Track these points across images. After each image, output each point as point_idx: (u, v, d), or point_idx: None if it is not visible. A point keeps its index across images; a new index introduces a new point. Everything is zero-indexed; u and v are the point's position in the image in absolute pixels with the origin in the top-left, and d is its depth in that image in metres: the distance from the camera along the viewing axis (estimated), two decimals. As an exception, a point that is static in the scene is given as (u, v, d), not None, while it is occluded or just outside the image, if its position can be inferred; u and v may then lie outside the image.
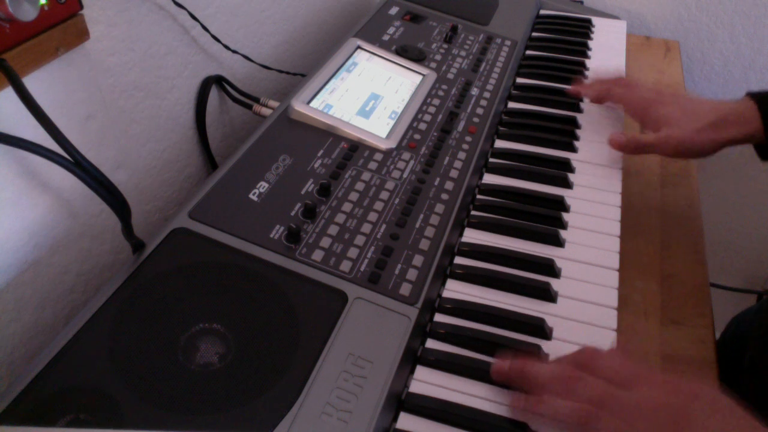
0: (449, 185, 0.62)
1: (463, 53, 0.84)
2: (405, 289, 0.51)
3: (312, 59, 1.01)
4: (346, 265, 0.52)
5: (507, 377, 0.46)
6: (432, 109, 0.72)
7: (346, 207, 0.57)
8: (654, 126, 0.67)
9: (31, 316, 0.55)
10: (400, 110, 0.71)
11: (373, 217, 0.57)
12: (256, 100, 0.78)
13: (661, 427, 0.39)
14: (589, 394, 0.42)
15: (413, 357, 0.49)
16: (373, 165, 0.62)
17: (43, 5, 0.45)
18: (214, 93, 0.76)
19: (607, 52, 0.94)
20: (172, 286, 0.48)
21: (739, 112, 0.63)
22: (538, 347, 0.50)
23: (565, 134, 0.75)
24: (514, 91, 0.83)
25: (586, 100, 0.81)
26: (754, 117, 0.62)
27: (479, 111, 0.74)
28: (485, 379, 0.48)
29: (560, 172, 0.68)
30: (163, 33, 0.65)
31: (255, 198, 0.56)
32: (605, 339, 0.52)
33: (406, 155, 0.65)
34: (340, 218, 0.56)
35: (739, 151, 0.66)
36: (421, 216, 0.58)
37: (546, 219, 0.62)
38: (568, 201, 0.65)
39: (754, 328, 0.70)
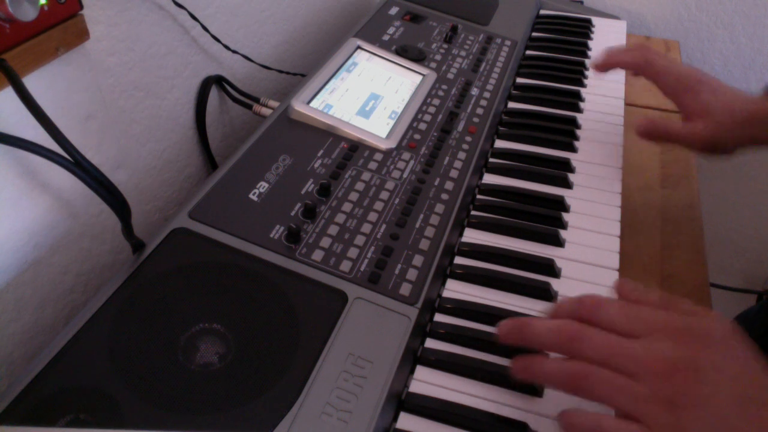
0: (449, 185, 0.62)
1: (463, 53, 0.84)
2: (405, 289, 0.51)
3: (312, 59, 1.01)
4: (346, 265, 0.52)
5: (507, 339, 0.44)
6: (432, 109, 0.72)
7: (346, 207, 0.57)
8: (690, 111, 0.63)
9: (31, 316, 0.55)
10: (400, 110, 0.71)
11: (373, 217, 0.57)
12: (256, 100, 0.78)
13: (670, 379, 0.36)
14: (589, 350, 0.39)
15: (413, 357, 0.49)
16: (373, 165, 0.62)
17: (43, 5, 0.45)
18: (214, 93, 0.76)
19: (607, 52, 0.94)
20: (172, 286, 0.49)
21: (765, 111, 0.60)
22: (538, 347, 0.50)
23: (565, 134, 0.75)
24: (514, 91, 0.84)
25: (586, 99, 0.81)
26: None
27: (479, 111, 0.74)
28: (485, 379, 0.48)
29: (560, 172, 0.69)
30: (163, 33, 0.65)
31: (255, 198, 0.56)
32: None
33: (406, 155, 0.65)
34: (340, 218, 0.56)
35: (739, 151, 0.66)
36: (421, 216, 0.58)
37: (546, 219, 0.62)
38: (568, 201, 0.65)
39: (755, 328, 0.70)
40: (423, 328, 0.51)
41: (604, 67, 0.70)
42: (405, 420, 0.45)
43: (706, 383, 0.36)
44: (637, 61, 0.68)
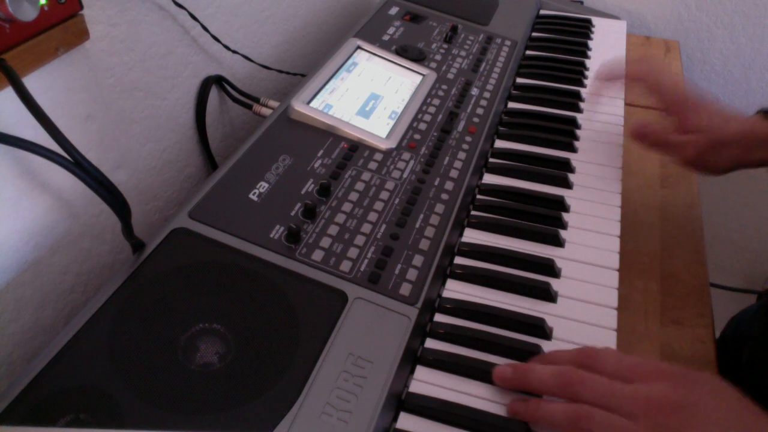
0: (449, 185, 0.62)
1: (463, 53, 0.84)
2: (405, 289, 0.51)
3: (312, 59, 1.01)
4: (346, 265, 0.52)
5: (509, 384, 0.47)
6: (432, 109, 0.72)
7: (346, 207, 0.57)
8: (686, 127, 0.65)
9: (31, 316, 0.55)
10: (400, 110, 0.71)
11: (373, 217, 0.57)
12: (256, 100, 0.78)
13: (665, 418, 0.39)
14: (589, 393, 0.42)
15: (413, 357, 0.49)
16: (373, 165, 0.62)
17: (43, 5, 0.45)
18: (214, 93, 0.76)
19: (607, 53, 0.94)
20: (172, 286, 0.48)
21: (759, 134, 0.61)
22: (538, 347, 0.50)
23: (565, 134, 0.75)
24: (514, 91, 0.84)
25: (586, 99, 0.81)
26: None
27: (479, 111, 0.74)
28: (485, 379, 0.48)
29: (560, 172, 0.69)
30: (163, 33, 0.65)
31: (255, 198, 0.56)
32: (605, 339, 0.52)
33: (406, 155, 0.65)
34: (340, 218, 0.56)
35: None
36: (421, 216, 0.58)
37: (546, 219, 0.62)
38: (568, 201, 0.65)
39: (754, 327, 0.70)
40: (423, 328, 0.51)
41: (609, 77, 0.72)
42: (405, 420, 0.45)
43: (698, 422, 0.39)
44: (646, 72, 0.68)
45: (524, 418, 0.45)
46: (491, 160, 0.71)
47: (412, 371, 0.48)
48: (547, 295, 0.55)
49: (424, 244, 0.55)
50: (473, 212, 0.64)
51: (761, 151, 0.61)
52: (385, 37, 0.83)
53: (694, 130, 0.64)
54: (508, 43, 0.90)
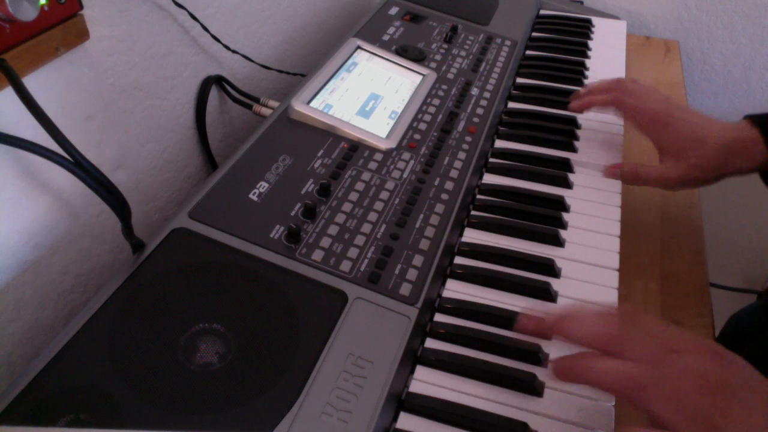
0: (449, 185, 0.62)
1: (463, 53, 0.84)
2: (405, 289, 0.51)
3: (312, 59, 1.01)
4: (346, 265, 0.52)
5: (539, 327, 0.42)
6: (432, 109, 0.72)
7: (346, 207, 0.57)
8: (662, 148, 0.65)
9: (31, 316, 0.55)
10: (400, 110, 0.71)
11: (373, 217, 0.57)
12: (256, 100, 0.78)
13: (707, 396, 0.36)
14: (639, 354, 0.38)
15: (413, 357, 0.49)
16: (373, 165, 0.62)
17: (43, 5, 0.45)
18: (214, 93, 0.76)
19: (607, 52, 0.94)
20: (172, 286, 0.48)
21: (744, 142, 0.60)
22: (539, 347, 0.50)
23: (565, 134, 0.75)
24: (514, 91, 0.84)
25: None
26: (759, 151, 0.59)
27: (479, 111, 0.74)
28: (485, 379, 0.48)
29: (560, 172, 0.69)
30: (163, 33, 0.65)
31: (255, 198, 0.56)
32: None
33: (406, 155, 0.65)
34: (340, 218, 0.56)
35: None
36: (421, 216, 0.58)
37: (546, 219, 0.62)
38: (568, 201, 0.65)
39: (753, 325, 0.70)
40: (423, 328, 0.51)
41: (580, 108, 0.72)
42: (405, 420, 0.45)
43: (740, 403, 0.36)
44: (609, 101, 0.69)
45: (569, 378, 0.41)
46: (491, 160, 0.71)
47: (412, 371, 0.48)
48: (547, 295, 0.55)
49: (424, 244, 0.55)
50: (473, 212, 0.64)
51: (748, 159, 0.60)
52: (385, 37, 0.83)
53: (669, 150, 0.63)
54: (508, 43, 0.90)
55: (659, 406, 0.37)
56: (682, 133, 0.63)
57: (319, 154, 0.62)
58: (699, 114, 0.65)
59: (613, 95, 0.69)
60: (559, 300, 0.55)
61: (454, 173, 0.64)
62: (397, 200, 0.59)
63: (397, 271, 0.52)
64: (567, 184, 0.68)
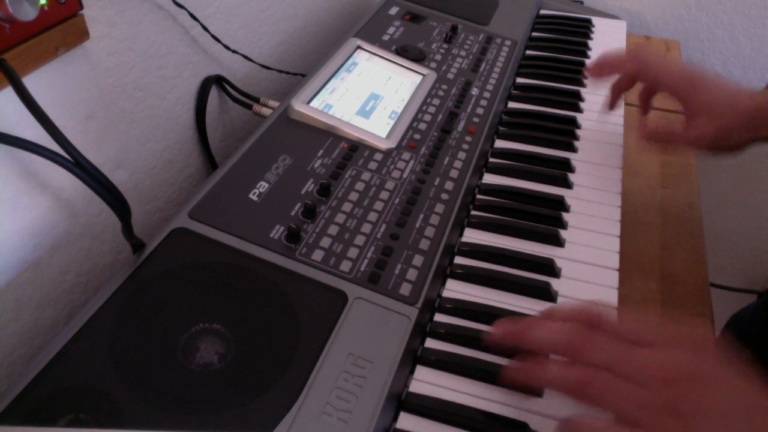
0: (449, 185, 0.62)
1: (463, 53, 0.84)
2: (405, 289, 0.51)
3: (312, 59, 1.01)
4: (346, 265, 0.52)
5: (507, 338, 0.42)
6: (432, 109, 0.72)
7: (346, 207, 0.57)
8: (693, 108, 0.62)
9: (31, 316, 0.55)
10: (400, 110, 0.71)
11: (373, 217, 0.57)
12: (256, 100, 0.78)
13: (677, 388, 0.36)
14: (598, 356, 0.38)
15: (413, 357, 0.49)
16: (373, 165, 0.62)
17: (43, 5, 0.45)
18: (214, 93, 0.76)
19: (607, 52, 0.94)
20: (172, 286, 0.49)
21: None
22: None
23: (565, 134, 0.75)
24: (514, 91, 0.84)
25: (586, 99, 0.81)
26: None
27: (479, 111, 0.74)
28: (485, 379, 0.48)
29: (560, 172, 0.68)
30: (163, 33, 0.65)
31: (255, 198, 0.56)
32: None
33: (406, 155, 0.65)
34: (340, 218, 0.56)
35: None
36: (421, 216, 0.58)
37: (546, 219, 0.62)
38: (568, 201, 0.65)
39: (753, 325, 0.70)
40: (423, 328, 0.51)
41: (600, 74, 0.69)
42: (405, 420, 0.45)
43: (711, 392, 0.36)
44: (634, 64, 0.66)
45: (523, 380, 0.42)
46: (491, 160, 0.71)
47: (412, 371, 0.48)
48: (547, 295, 0.55)
49: (424, 244, 0.55)
50: (473, 212, 0.64)
51: None
52: (385, 37, 0.83)
53: (700, 110, 0.62)
54: (508, 43, 0.90)
55: (614, 404, 0.37)
56: (715, 94, 0.61)
57: (319, 154, 0.62)
58: (727, 80, 0.64)
59: (639, 57, 0.66)
60: (559, 300, 0.55)
61: (454, 173, 0.64)
62: (397, 200, 0.59)
63: (397, 271, 0.52)
64: (567, 184, 0.68)
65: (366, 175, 0.61)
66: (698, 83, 0.63)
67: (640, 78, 0.68)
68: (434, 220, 0.58)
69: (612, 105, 0.72)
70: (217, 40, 0.73)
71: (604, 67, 0.69)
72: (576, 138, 0.75)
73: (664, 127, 0.64)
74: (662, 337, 0.39)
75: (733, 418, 0.35)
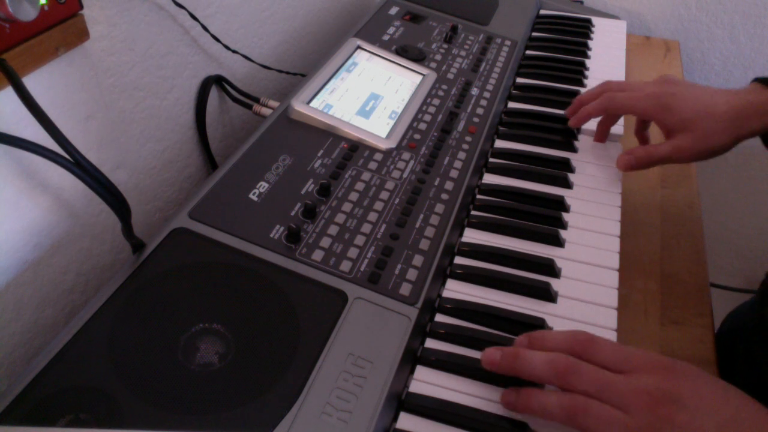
0: (449, 185, 0.62)
1: (463, 53, 0.84)
2: (405, 289, 0.51)
3: (312, 59, 1.01)
4: (346, 265, 0.52)
5: (499, 368, 0.45)
6: (432, 109, 0.72)
7: (346, 207, 0.57)
8: (670, 128, 0.63)
9: (31, 316, 0.55)
10: (400, 110, 0.71)
11: (373, 217, 0.57)
12: (256, 100, 0.78)
13: (658, 410, 0.39)
14: (584, 383, 0.42)
15: (413, 357, 0.49)
16: (373, 165, 0.62)
17: (43, 5, 0.45)
18: (214, 93, 0.76)
19: (607, 52, 0.94)
20: (172, 286, 0.49)
21: (756, 104, 0.60)
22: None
23: (565, 134, 0.75)
24: (514, 91, 0.84)
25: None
26: None
27: (479, 111, 0.74)
28: (485, 379, 0.48)
29: (560, 172, 0.68)
30: (163, 33, 0.65)
31: (255, 198, 0.56)
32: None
33: (406, 155, 0.65)
34: (340, 218, 0.56)
35: (739, 151, 0.66)
36: (421, 216, 0.58)
37: (546, 219, 0.62)
38: (568, 201, 0.65)
39: (749, 319, 0.70)
40: (423, 328, 0.51)
41: (578, 123, 0.72)
42: (405, 420, 0.45)
43: (687, 411, 0.39)
44: (602, 105, 0.68)
45: (516, 409, 0.45)
46: (491, 160, 0.71)
47: (412, 371, 0.48)
48: (547, 295, 0.55)
49: (424, 244, 0.55)
50: (473, 212, 0.64)
51: (763, 121, 0.60)
52: (385, 37, 0.83)
53: (677, 128, 0.63)
54: (508, 43, 0.90)
55: (603, 428, 0.40)
56: (687, 108, 0.62)
57: (319, 154, 0.62)
58: (697, 86, 0.64)
59: (603, 97, 0.68)
60: (559, 300, 0.55)
61: (454, 173, 0.64)
62: (397, 200, 0.59)
63: (397, 271, 0.52)
64: (567, 184, 0.68)
65: (366, 175, 0.61)
66: (669, 104, 0.63)
67: (613, 113, 0.70)
68: (434, 220, 0.58)
69: (601, 140, 0.74)
70: (217, 40, 0.73)
71: (580, 114, 0.71)
72: (576, 138, 0.75)
73: (644, 155, 0.65)
74: (641, 364, 0.42)
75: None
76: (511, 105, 0.81)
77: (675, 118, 0.63)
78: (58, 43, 0.49)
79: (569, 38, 0.96)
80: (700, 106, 0.62)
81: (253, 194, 0.56)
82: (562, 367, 0.43)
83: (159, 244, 0.51)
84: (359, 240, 0.54)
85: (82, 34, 0.51)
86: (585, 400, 0.41)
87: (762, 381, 0.62)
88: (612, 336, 0.52)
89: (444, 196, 0.61)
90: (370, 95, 0.72)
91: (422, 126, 0.69)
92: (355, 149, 0.64)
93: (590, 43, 0.96)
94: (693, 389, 0.40)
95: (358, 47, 0.79)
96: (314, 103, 0.68)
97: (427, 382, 0.48)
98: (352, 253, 0.53)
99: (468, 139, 0.69)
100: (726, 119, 0.60)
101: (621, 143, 0.74)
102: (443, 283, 0.56)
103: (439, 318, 0.53)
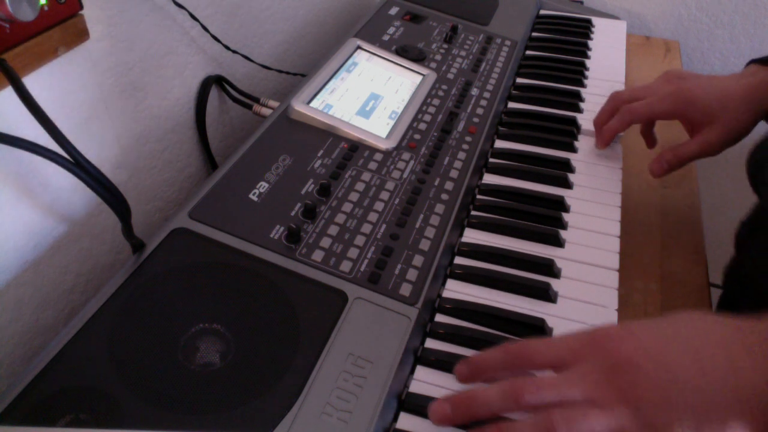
0: (449, 185, 0.62)
1: (463, 53, 0.84)
2: (405, 289, 0.51)
3: (312, 59, 1.01)
4: (346, 265, 0.52)
5: (452, 421, 0.42)
6: (432, 109, 0.72)
7: (346, 207, 0.57)
8: (695, 123, 0.64)
9: (32, 316, 0.55)
10: (400, 110, 0.71)
11: (373, 217, 0.57)
12: (256, 100, 0.79)
13: (613, 383, 0.38)
14: (542, 398, 0.40)
15: (413, 357, 0.49)
16: (373, 165, 0.62)
17: (43, 5, 0.45)
18: (214, 93, 0.76)
19: (607, 52, 0.94)
20: (172, 286, 0.49)
21: (765, 84, 0.61)
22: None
23: (565, 134, 0.75)
24: (514, 91, 0.84)
25: (586, 99, 0.81)
26: None
27: (479, 111, 0.74)
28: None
29: (560, 172, 0.68)
30: (163, 33, 0.65)
31: (255, 198, 0.56)
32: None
33: (406, 155, 0.65)
34: (340, 218, 0.56)
35: (740, 151, 0.66)
36: (421, 216, 0.58)
37: (546, 219, 0.62)
38: (568, 201, 0.65)
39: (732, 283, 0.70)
40: (423, 328, 0.51)
41: (606, 144, 0.71)
42: (405, 420, 0.45)
43: (641, 366, 0.38)
44: (625, 121, 0.68)
45: None
46: (491, 160, 0.71)
47: (412, 371, 0.48)
48: (547, 295, 0.55)
49: (424, 244, 0.55)
50: (473, 212, 0.64)
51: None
52: (385, 37, 0.83)
53: (701, 122, 0.63)
54: (508, 43, 0.90)
55: (586, 429, 0.38)
56: (709, 97, 0.63)
57: (319, 154, 0.62)
58: (703, 75, 0.65)
59: (623, 111, 0.67)
60: (559, 300, 0.55)
61: (454, 173, 0.64)
62: (397, 200, 0.59)
63: (397, 271, 0.52)
64: (567, 185, 0.68)
65: (366, 176, 0.61)
66: (690, 98, 0.63)
67: (635, 122, 0.69)
68: (434, 220, 0.58)
69: (604, 146, 0.73)
70: (217, 40, 0.73)
71: (605, 134, 0.70)
72: (576, 138, 0.75)
73: (674, 158, 0.65)
74: (578, 348, 0.41)
75: (684, 372, 0.37)
76: (511, 105, 0.81)
77: (699, 111, 0.63)
78: (58, 43, 0.49)
79: (569, 38, 0.96)
80: (719, 93, 0.62)
81: (253, 194, 0.56)
82: (513, 391, 0.41)
83: (159, 244, 0.51)
84: (359, 240, 0.54)
85: (82, 34, 0.51)
86: (548, 415, 0.39)
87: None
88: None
89: (444, 196, 0.61)
90: (370, 95, 0.72)
91: (422, 126, 0.69)
92: (355, 149, 0.64)
93: (590, 43, 0.96)
94: (646, 348, 0.39)
95: (358, 47, 0.79)
96: (314, 103, 0.68)
97: (427, 382, 0.48)
98: (352, 253, 0.53)
99: (468, 139, 0.69)
100: (746, 102, 0.61)
101: (621, 143, 0.74)
102: (443, 283, 0.56)
103: (439, 318, 0.53)
